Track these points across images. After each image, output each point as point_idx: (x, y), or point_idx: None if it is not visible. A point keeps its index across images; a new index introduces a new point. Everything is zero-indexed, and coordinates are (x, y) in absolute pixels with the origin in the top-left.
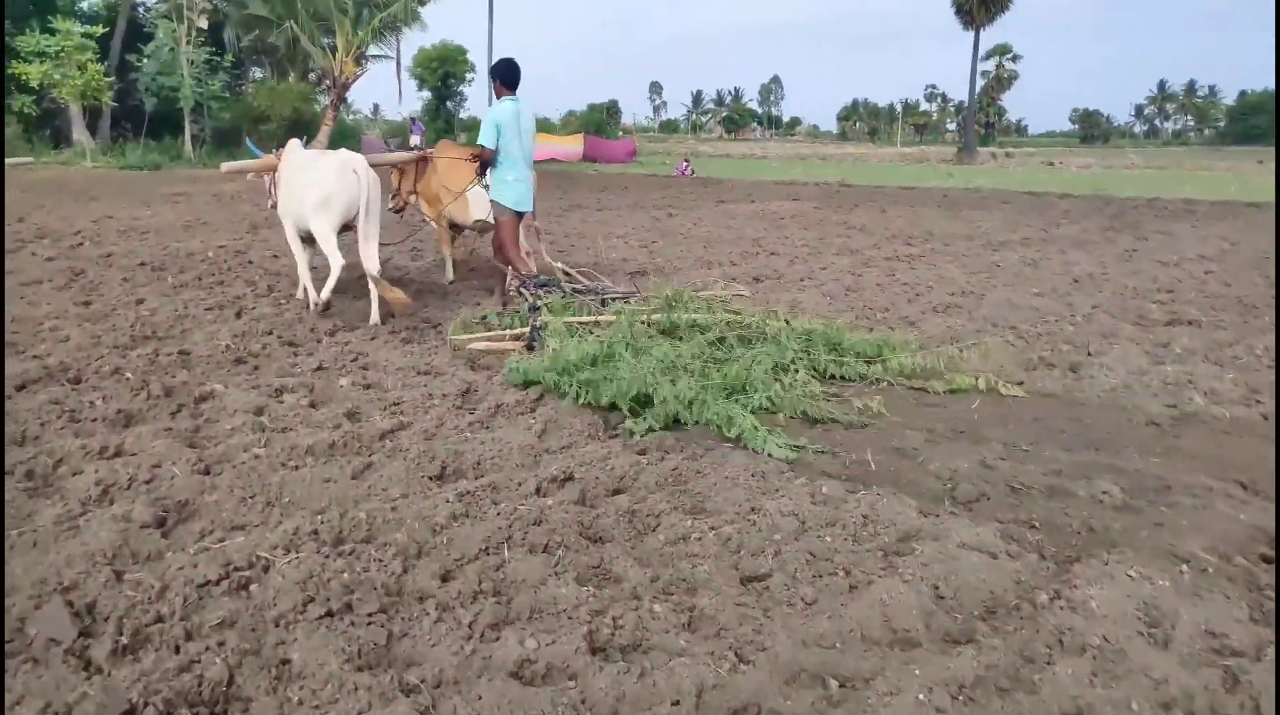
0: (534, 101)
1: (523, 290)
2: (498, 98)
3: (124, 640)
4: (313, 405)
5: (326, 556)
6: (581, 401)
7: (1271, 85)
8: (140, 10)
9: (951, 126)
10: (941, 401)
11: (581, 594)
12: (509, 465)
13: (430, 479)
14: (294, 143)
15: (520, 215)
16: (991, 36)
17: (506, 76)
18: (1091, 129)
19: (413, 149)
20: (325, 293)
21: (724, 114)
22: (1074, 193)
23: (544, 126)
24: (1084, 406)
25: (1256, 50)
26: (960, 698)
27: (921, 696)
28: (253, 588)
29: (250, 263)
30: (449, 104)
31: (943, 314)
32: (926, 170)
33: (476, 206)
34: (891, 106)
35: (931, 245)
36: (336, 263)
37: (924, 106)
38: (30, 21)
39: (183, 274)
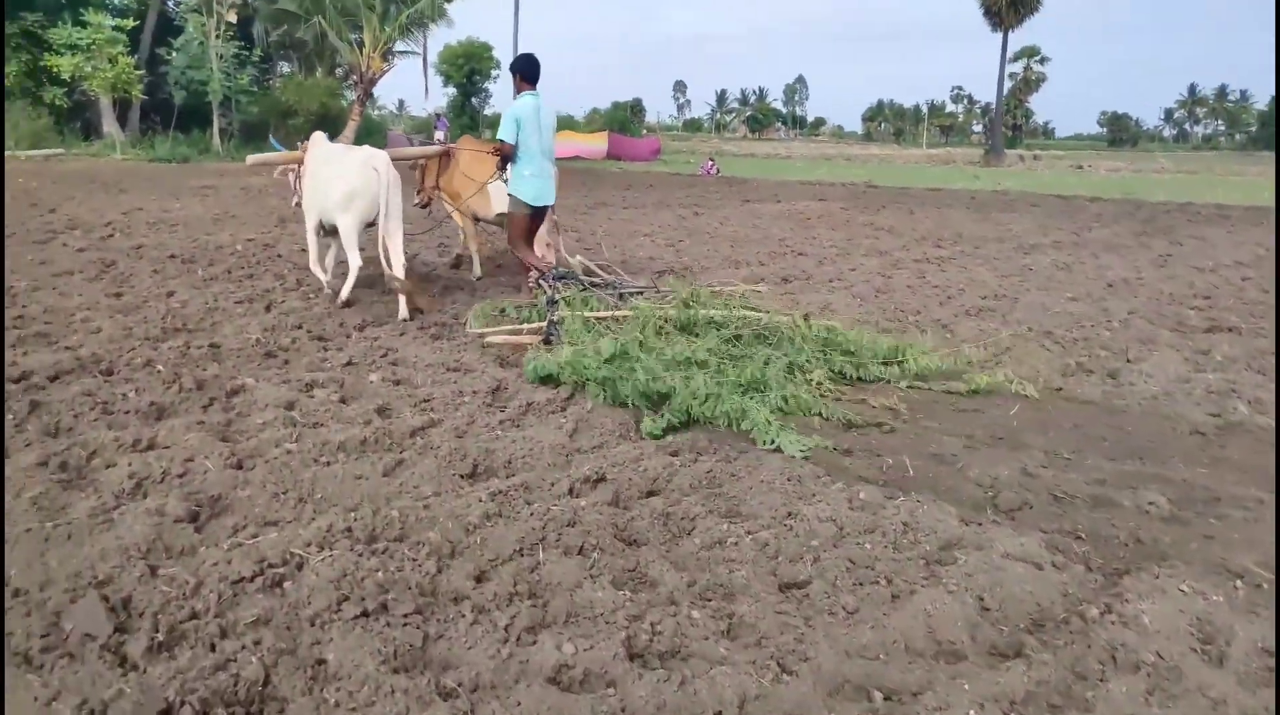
0: (558, 99)
1: (541, 282)
2: (518, 93)
3: (159, 637)
4: (343, 401)
5: (360, 555)
6: (601, 400)
7: None
8: (170, 4)
9: (978, 128)
10: (978, 406)
11: (618, 598)
12: (540, 465)
13: (462, 477)
14: (319, 135)
15: (538, 211)
16: (1019, 38)
17: (527, 71)
18: (1120, 132)
19: (436, 144)
20: (345, 292)
21: (748, 113)
22: (1104, 196)
23: (568, 124)
24: (1125, 414)
25: None
26: (1012, 714)
27: (972, 713)
28: (287, 585)
29: (279, 256)
30: (474, 101)
31: (975, 317)
32: (953, 172)
33: (498, 201)
34: (917, 107)
35: (961, 247)
36: (355, 263)
37: (950, 108)
38: (63, 14)
39: (212, 267)
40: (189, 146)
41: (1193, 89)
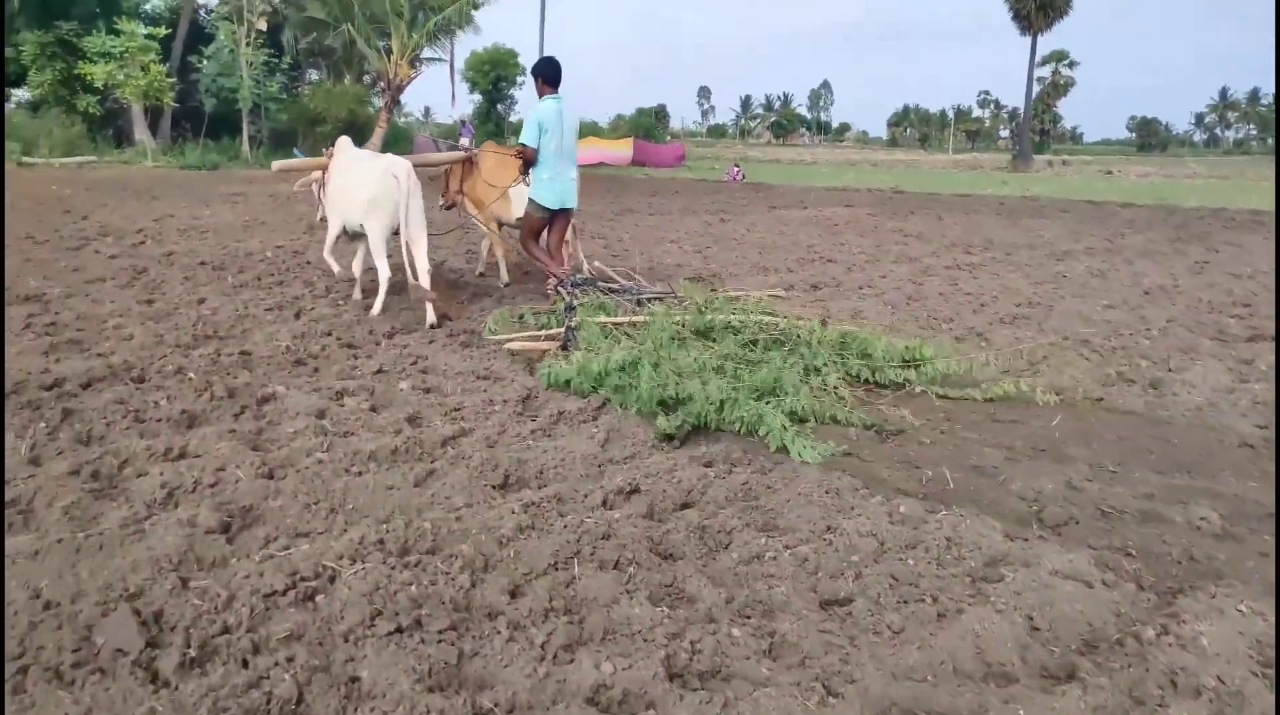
0: (583, 105)
1: (560, 289)
2: (540, 96)
3: (191, 652)
4: (373, 409)
5: (393, 568)
6: (619, 405)
7: None
8: (202, 13)
9: (1005, 133)
10: (1017, 417)
11: (655, 614)
12: (573, 475)
13: (493, 488)
14: (344, 140)
15: (556, 214)
16: (1047, 42)
17: (548, 74)
18: (1149, 137)
19: (461, 150)
20: (377, 306)
21: (773, 119)
22: (1135, 202)
23: (592, 130)
24: (1170, 425)
25: None
26: None
27: None
28: (319, 599)
29: (308, 263)
30: (499, 107)
31: (1011, 325)
32: (980, 177)
33: (519, 205)
34: (943, 113)
35: (992, 254)
36: (384, 272)
37: (976, 113)
38: (97, 23)
39: (242, 273)
40: (219, 153)
41: (1224, 92)
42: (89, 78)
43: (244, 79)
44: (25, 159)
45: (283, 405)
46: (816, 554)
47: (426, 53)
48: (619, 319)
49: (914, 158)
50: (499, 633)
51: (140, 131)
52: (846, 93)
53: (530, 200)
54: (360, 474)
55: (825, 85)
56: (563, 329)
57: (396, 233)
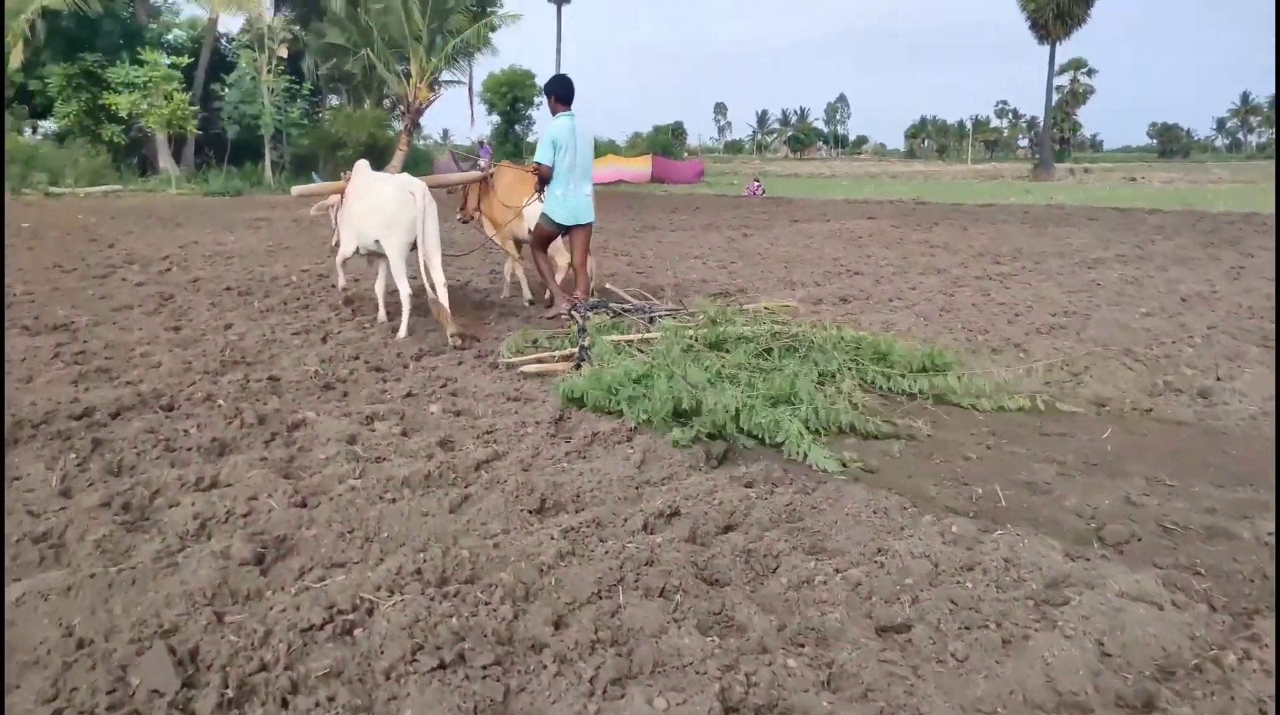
0: (599, 124)
1: (574, 313)
2: (553, 114)
3: (229, 693)
4: (405, 433)
5: (432, 599)
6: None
7: None
8: (223, 41)
9: (1024, 142)
10: (1065, 430)
11: (706, 645)
12: (610, 498)
13: (530, 513)
14: (361, 163)
15: (574, 230)
16: (1065, 51)
17: (561, 92)
18: (1170, 143)
19: (479, 169)
20: (402, 330)
21: (789, 133)
22: (1162, 208)
23: (610, 148)
24: (1225, 436)
25: None
26: None
27: None
28: (357, 633)
29: (333, 287)
30: (517, 128)
31: (1048, 336)
32: (1002, 187)
33: (532, 221)
34: (961, 123)
35: (1022, 263)
36: (405, 291)
37: (994, 123)
38: (121, 54)
39: (268, 298)
40: (242, 179)
41: (1245, 97)
42: (114, 108)
43: (265, 106)
44: (52, 189)
45: (313, 431)
46: (869, 577)
47: (445, 75)
48: (631, 337)
49: (933, 169)
50: (545, 667)
51: (164, 159)
52: (862, 106)
53: (543, 214)
54: (394, 501)
55: (841, 98)
56: (576, 349)
57: (414, 249)
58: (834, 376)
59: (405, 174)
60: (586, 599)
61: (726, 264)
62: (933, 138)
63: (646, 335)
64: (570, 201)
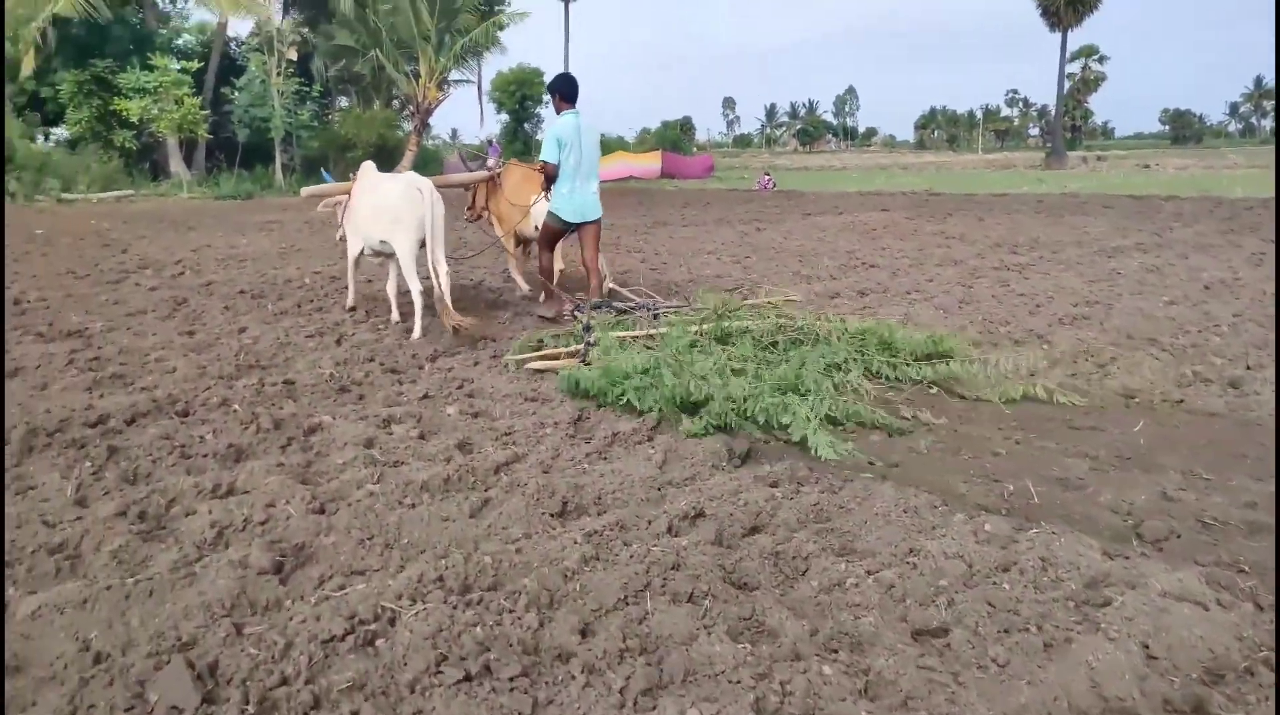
0: (608, 120)
1: (577, 313)
2: (558, 113)
3: (250, 709)
4: (422, 436)
5: (455, 607)
6: (627, 406)
7: None
8: (233, 45)
9: (1034, 131)
10: (1095, 423)
11: (738, 652)
12: (633, 500)
13: (552, 516)
14: (368, 165)
15: (583, 227)
16: (1075, 38)
17: (565, 90)
18: (1183, 129)
19: (487, 168)
20: (417, 331)
21: (798, 127)
22: (1179, 195)
23: (619, 145)
24: (1259, 427)
25: None
26: None
27: None
28: (379, 643)
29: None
30: (526, 126)
31: (1070, 326)
32: (1015, 176)
33: (539, 219)
34: (971, 113)
35: (1040, 253)
36: (416, 289)
37: (1005, 112)
38: (131, 60)
39: (281, 301)
40: (253, 183)
41: (1259, 81)
42: (125, 113)
43: (276, 108)
44: (65, 195)
45: (330, 435)
46: (902, 579)
47: (454, 75)
48: (636, 333)
49: (944, 159)
50: (573, 678)
51: (176, 164)
52: (871, 97)
53: (549, 212)
54: (414, 506)
55: (850, 91)
56: (581, 347)
57: (423, 247)
58: (840, 367)
59: (411, 172)
60: (613, 605)
61: (740, 259)
62: (943, 128)
63: (651, 331)
64: (577, 199)
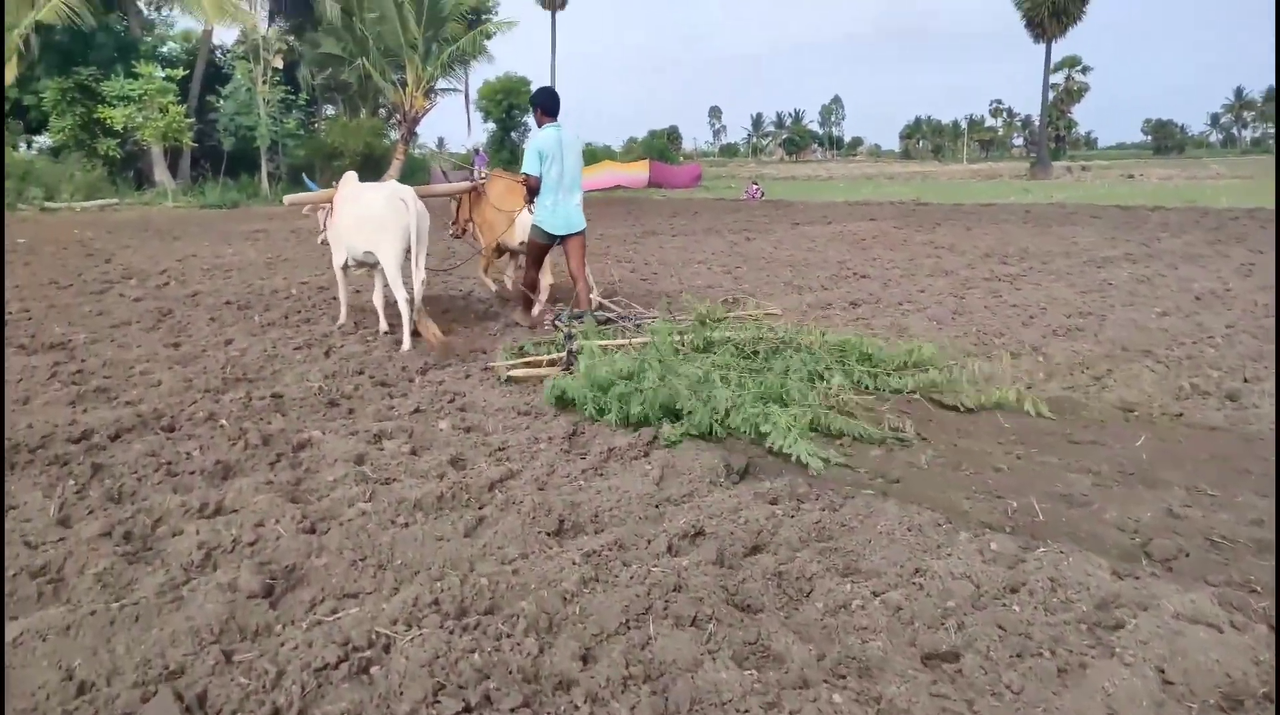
0: (594, 129)
1: (557, 323)
2: (539, 125)
3: None
4: (414, 452)
5: (451, 632)
6: (615, 417)
7: None
8: (218, 53)
9: (1018, 141)
10: (1095, 438)
11: (745, 679)
12: (631, 518)
13: (548, 535)
14: (349, 175)
15: (567, 239)
16: (1059, 49)
17: (546, 104)
18: (1165, 139)
19: (471, 179)
20: (405, 342)
21: (784, 136)
22: (1165, 205)
23: (606, 154)
24: (1261, 441)
25: None
26: None
27: None
28: (374, 671)
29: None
30: (513, 135)
31: (1065, 338)
32: (1001, 186)
33: (523, 231)
34: (956, 123)
35: (1030, 264)
36: (403, 298)
37: (989, 122)
38: (115, 67)
39: (268, 312)
40: (238, 191)
41: (1239, 92)
42: (109, 121)
43: (261, 117)
44: (48, 204)
45: (320, 451)
46: (909, 601)
47: (441, 83)
48: (619, 342)
49: (930, 169)
50: (576, 708)
51: (160, 172)
52: (856, 107)
53: (533, 226)
54: (407, 525)
55: (836, 100)
56: (564, 354)
57: (408, 257)
58: (822, 377)
59: (394, 182)
60: (614, 630)
61: (731, 269)
62: (928, 138)
63: (634, 341)
64: (561, 211)
